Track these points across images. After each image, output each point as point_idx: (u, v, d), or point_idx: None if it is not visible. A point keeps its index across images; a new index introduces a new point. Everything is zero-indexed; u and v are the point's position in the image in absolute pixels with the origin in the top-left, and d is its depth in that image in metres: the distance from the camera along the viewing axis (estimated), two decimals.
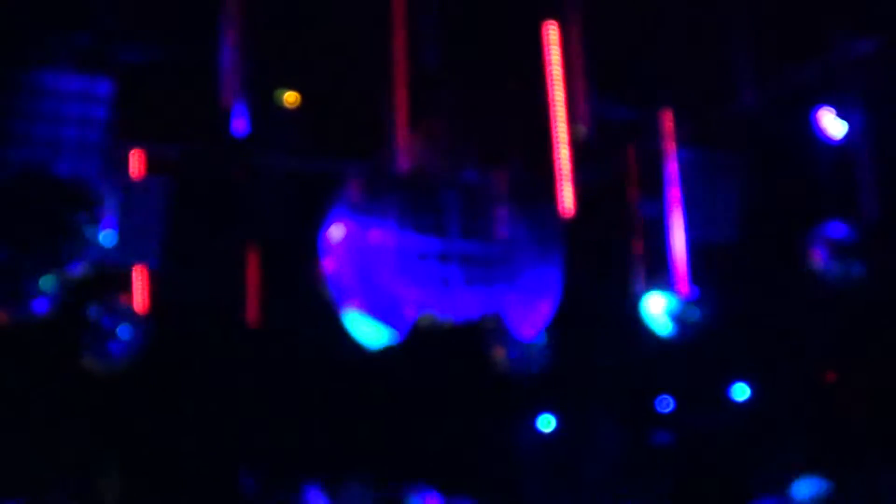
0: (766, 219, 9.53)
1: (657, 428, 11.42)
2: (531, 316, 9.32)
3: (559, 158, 9.26)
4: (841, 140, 8.89)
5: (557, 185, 9.29)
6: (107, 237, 8.47)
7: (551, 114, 9.18)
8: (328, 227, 9.00)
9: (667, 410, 11.41)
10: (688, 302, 9.45)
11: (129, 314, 9.14)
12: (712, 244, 9.54)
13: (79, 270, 8.54)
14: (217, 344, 10.10)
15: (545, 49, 8.99)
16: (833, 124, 8.88)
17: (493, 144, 9.42)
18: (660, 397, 11.42)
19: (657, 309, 9.45)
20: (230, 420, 10.45)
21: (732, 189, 9.46)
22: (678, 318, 9.57)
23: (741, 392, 11.18)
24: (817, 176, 9.04)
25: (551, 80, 9.08)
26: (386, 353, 9.21)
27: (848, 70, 8.75)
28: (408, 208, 8.99)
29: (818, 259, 8.97)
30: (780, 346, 10.49)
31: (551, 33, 8.96)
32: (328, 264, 8.97)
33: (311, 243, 8.98)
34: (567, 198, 9.20)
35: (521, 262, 9.17)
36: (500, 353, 9.94)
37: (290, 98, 9.22)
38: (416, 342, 9.17)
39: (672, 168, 9.46)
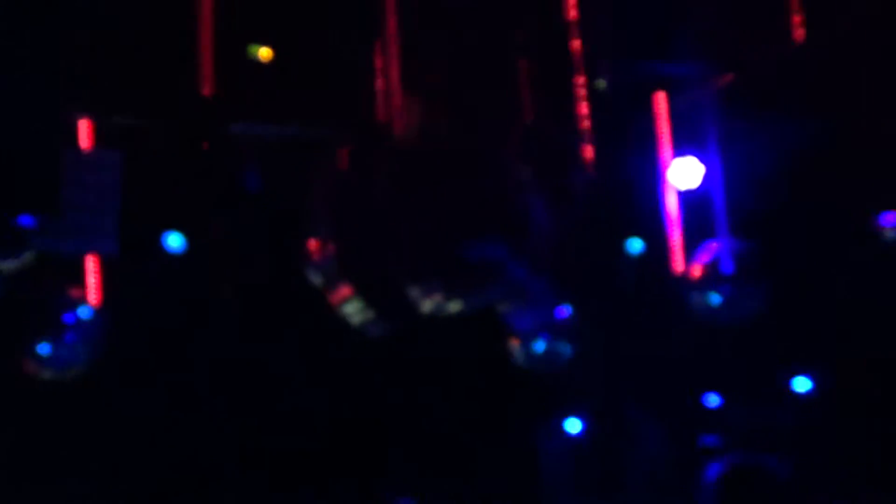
0: (825, 182, 9.90)
1: (705, 428, 11.46)
2: (547, 298, 9.88)
3: (578, 117, 9.62)
4: None
5: (576, 147, 9.66)
6: (53, 221, 8.72)
7: (569, 65, 9.60)
8: (317, 202, 9.46)
9: (715, 407, 11.52)
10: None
11: (81, 309, 9.29)
12: (761, 212, 9.92)
13: (20, 260, 8.84)
14: (185, 341, 10.38)
15: None
16: None
17: (503, 103, 9.80)
18: (706, 392, 11.53)
19: None
20: (203, 424, 10.71)
21: (782, 147, 9.84)
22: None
23: (802, 386, 11.39)
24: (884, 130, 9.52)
25: (568, 25, 9.51)
26: (384, 343, 9.70)
27: None
28: (406, 179, 9.42)
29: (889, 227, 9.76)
30: (849, 331, 10.58)
31: None
32: (316, 244, 9.41)
33: (294, 221, 9.48)
34: (587, 162, 9.60)
35: (534, 236, 9.65)
36: (516, 343, 10.10)
37: (264, 54, 9.57)
38: (420, 331, 9.70)
39: (710, 125, 9.84)
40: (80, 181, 8.92)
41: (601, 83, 9.53)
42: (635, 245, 10.62)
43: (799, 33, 9.40)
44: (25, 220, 8.73)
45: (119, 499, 10.52)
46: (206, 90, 9.03)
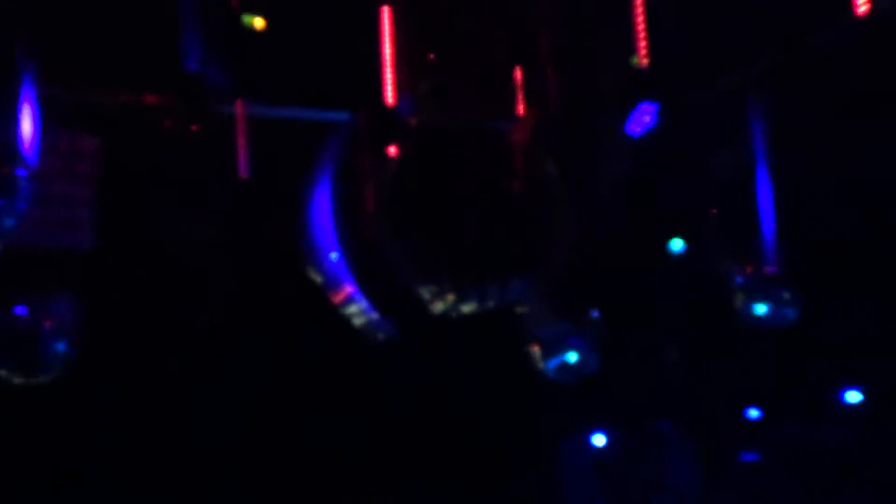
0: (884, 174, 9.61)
1: (743, 443, 11.34)
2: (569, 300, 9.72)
3: (610, 98, 9.34)
4: None
5: (605, 134, 9.45)
6: (24, 210, 8.00)
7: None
8: (314, 191, 9.15)
9: (755, 420, 11.37)
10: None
11: (57, 310, 9.02)
12: (809, 209, 9.69)
13: None
14: (174, 345, 10.04)
15: None
16: None
17: (525, 82, 9.44)
18: (747, 405, 11.39)
19: None
20: (196, 439, 10.50)
21: (836, 137, 9.57)
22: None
23: (853, 398, 11.20)
24: None
25: None
26: (392, 349, 9.47)
27: None
28: (414, 166, 9.04)
29: None
30: None
31: None
32: (317, 240, 9.11)
33: (292, 213, 9.17)
34: (620, 147, 9.37)
35: (558, 232, 9.29)
36: (537, 350, 9.80)
37: (258, 23, 9.29)
38: (430, 336, 9.56)
39: (757, 110, 9.55)
40: (53, 166, 8.59)
41: (636, 60, 9.13)
42: (676, 245, 10.47)
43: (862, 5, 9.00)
44: None
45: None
46: (195, 66, 8.71)
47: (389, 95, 9.01)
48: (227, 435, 10.68)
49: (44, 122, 8.31)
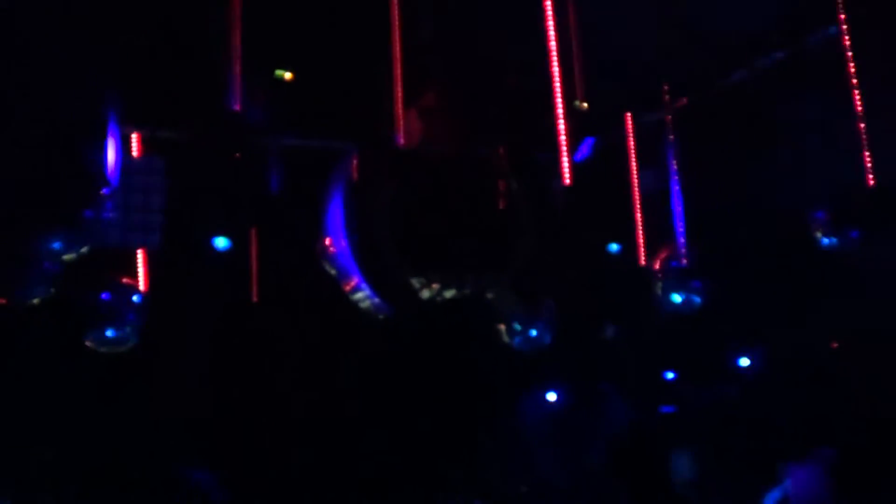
0: (768, 189, 10.46)
1: (664, 399, 12.52)
2: (528, 288, 10.69)
3: (558, 133, 10.19)
4: None
5: (557, 158, 10.22)
6: (108, 218, 9.71)
7: (552, 90, 10.20)
8: (329, 204, 10.46)
9: (671, 381, 12.53)
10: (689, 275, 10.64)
11: (131, 295, 10.28)
12: (712, 214, 10.79)
13: (80, 252, 9.76)
14: (218, 323, 11.30)
15: (545, 24, 9.99)
16: None
17: (493, 120, 10.82)
18: (665, 370, 12.54)
19: None
20: (227, 402, 11.53)
21: (734, 161, 10.70)
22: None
23: (744, 363, 12.27)
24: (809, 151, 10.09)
25: (551, 55, 10.13)
26: (388, 326, 10.79)
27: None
28: (408, 184, 10.45)
29: (818, 230, 10.32)
30: (786, 316, 11.41)
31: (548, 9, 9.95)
32: (329, 241, 10.44)
33: (312, 221, 10.48)
34: (566, 170, 10.17)
35: (519, 235, 10.61)
36: (503, 327, 11.01)
37: (287, 76, 10.50)
38: (419, 316, 10.75)
39: (670, 138, 10.83)
40: (130, 184, 9.79)
41: (579, 104, 10.20)
42: (613, 247, 11.45)
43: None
44: (86, 216, 9.61)
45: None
46: (238, 108, 9.57)
47: (391, 130, 10.02)
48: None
49: (124, 149, 9.84)
